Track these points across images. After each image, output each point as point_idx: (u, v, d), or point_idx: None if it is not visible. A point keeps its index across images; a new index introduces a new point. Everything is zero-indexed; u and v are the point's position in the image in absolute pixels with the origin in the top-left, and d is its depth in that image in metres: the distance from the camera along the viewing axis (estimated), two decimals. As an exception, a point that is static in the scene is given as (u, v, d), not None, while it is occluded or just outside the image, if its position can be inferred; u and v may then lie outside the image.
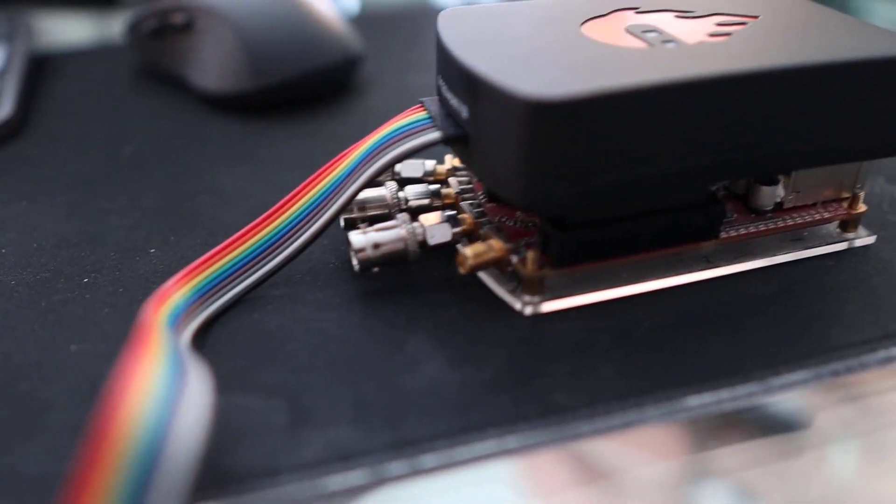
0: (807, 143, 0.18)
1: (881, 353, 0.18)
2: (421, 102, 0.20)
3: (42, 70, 0.35)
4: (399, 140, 0.19)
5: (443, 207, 0.21)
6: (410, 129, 0.19)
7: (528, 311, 0.19)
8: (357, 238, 0.19)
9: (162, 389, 0.13)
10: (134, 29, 0.32)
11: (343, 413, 0.16)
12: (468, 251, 0.18)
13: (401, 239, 0.19)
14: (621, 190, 0.17)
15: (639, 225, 0.18)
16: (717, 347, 0.18)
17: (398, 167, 0.22)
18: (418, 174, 0.21)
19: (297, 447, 0.15)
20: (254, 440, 0.16)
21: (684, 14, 0.20)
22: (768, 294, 0.19)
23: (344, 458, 0.15)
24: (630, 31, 0.19)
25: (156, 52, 0.31)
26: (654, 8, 0.21)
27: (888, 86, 0.18)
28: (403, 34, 0.40)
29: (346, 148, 0.20)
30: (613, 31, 0.19)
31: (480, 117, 0.17)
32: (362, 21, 0.41)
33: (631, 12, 0.20)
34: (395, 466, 0.15)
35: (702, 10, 0.20)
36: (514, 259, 0.19)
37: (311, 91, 0.29)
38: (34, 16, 0.43)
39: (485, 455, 0.16)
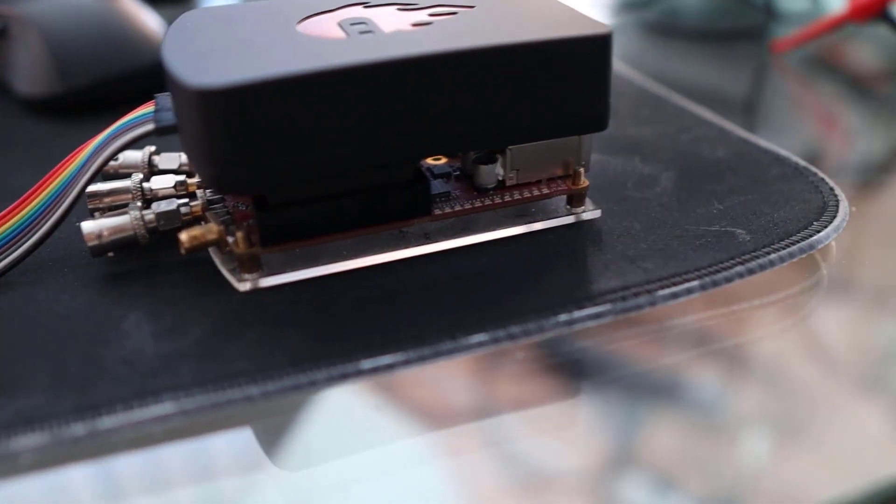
0: (500, 121, 0.20)
1: (562, 317, 0.19)
2: (154, 98, 0.21)
3: None
4: (123, 133, 0.20)
5: (187, 196, 0.22)
6: (135, 122, 0.20)
7: (245, 287, 0.20)
8: (87, 225, 0.20)
9: None
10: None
11: (38, 383, 0.18)
12: (184, 235, 0.20)
13: (128, 226, 0.20)
14: (311, 170, 0.19)
15: (341, 204, 0.20)
16: (407, 316, 0.19)
17: (156, 159, 0.23)
18: (174, 165, 0.23)
19: (-13, 414, 0.17)
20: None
21: (406, 6, 0.22)
22: (477, 268, 0.21)
23: (29, 423, 0.17)
24: (340, 24, 0.20)
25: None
26: (383, 2, 0.22)
27: (577, 65, 0.20)
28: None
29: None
30: (327, 25, 0.21)
31: (178, 108, 0.19)
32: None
33: (359, 7, 0.22)
34: (76, 428, 0.17)
35: (424, 3, 0.22)
36: (231, 239, 0.20)
37: (125, 92, 0.30)
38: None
39: (161, 416, 0.17)
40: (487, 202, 0.21)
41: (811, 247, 0.21)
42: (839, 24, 0.34)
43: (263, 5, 0.22)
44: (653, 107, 0.30)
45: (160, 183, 0.22)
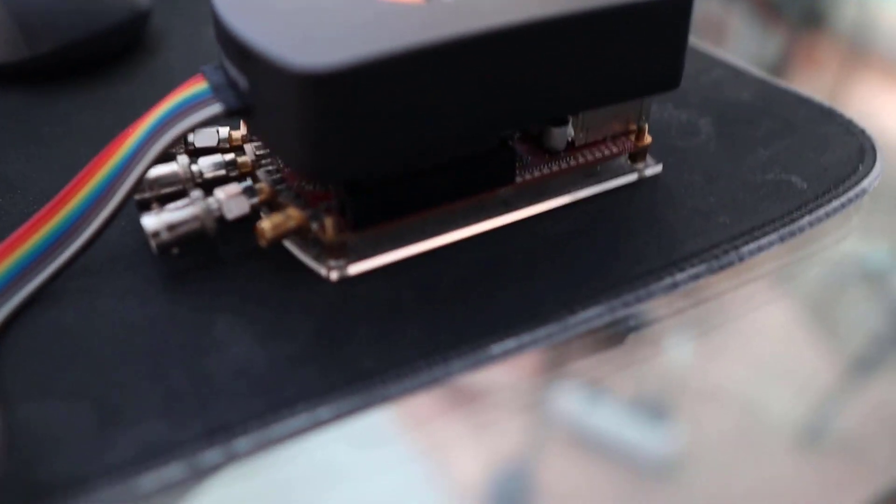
0: (587, 87, 0.19)
1: (667, 281, 0.19)
2: (202, 72, 0.19)
3: None
4: (180, 116, 0.18)
5: (240, 178, 0.20)
6: (191, 102, 0.18)
7: (334, 276, 0.19)
8: (150, 221, 0.18)
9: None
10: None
11: (152, 407, 0.16)
12: (266, 224, 0.18)
13: (196, 217, 0.18)
14: (411, 149, 0.18)
15: (432, 180, 0.19)
16: (516, 292, 0.19)
17: (191, 137, 0.21)
18: (213, 143, 0.21)
19: (106, 449, 0.15)
20: (60, 448, 0.15)
21: None
22: (563, 233, 0.20)
23: (156, 455, 0.15)
24: None
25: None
26: None
27: (660, 26, 0.19)
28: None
29: (140, 114, 0.19)
30: None
31: (258, 89, 0.17)
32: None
33: None
34: (210, 455, 0.15)
35: None
36: (314, 225, 0.19)
37: (98, 54, 0.27)
38: None
39: (298, 430, 0.16)
40: (564, 165, 0.21)
41: (864, 191, 0.22)
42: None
43: None
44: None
45: (210, 166, 0.20)
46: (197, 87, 0.19)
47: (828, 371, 0.19)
